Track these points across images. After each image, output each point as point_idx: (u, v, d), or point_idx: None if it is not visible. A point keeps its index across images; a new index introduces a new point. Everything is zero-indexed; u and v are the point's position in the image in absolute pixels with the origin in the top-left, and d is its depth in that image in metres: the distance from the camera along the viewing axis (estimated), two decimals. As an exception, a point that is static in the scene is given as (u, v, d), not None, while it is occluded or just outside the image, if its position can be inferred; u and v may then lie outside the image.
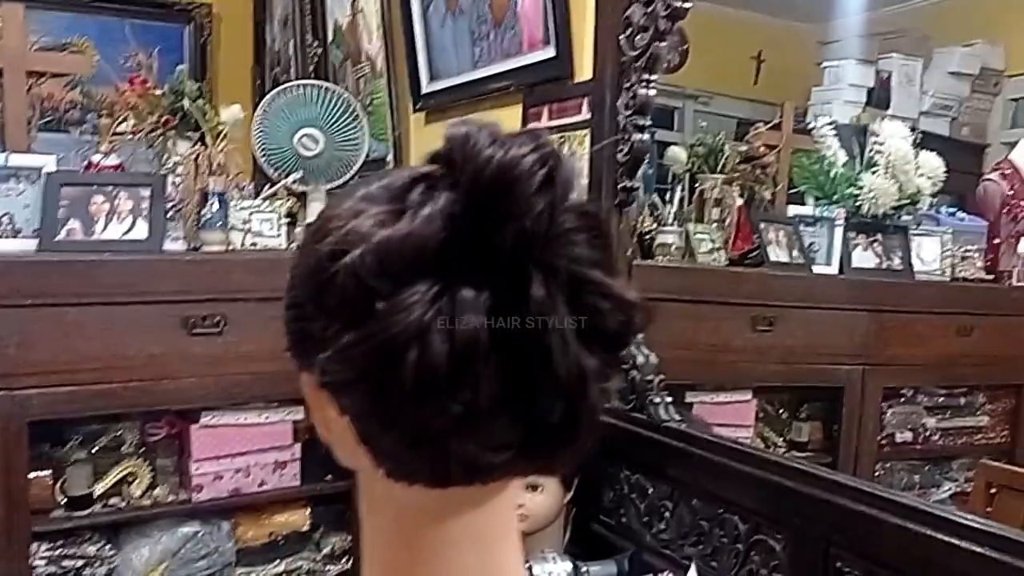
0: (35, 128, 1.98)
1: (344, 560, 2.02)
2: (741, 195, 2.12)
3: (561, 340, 0.45)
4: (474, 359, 0.43)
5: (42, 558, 1.76)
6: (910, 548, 1.14)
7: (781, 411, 2.10)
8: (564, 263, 0.46)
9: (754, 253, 2.03)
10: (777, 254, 2.04)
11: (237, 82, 3.74)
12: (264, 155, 2.08)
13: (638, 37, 1.63)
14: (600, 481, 1.73)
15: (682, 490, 1.55)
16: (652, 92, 1.64)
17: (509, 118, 2.10)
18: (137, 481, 1.88)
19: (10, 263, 1.72)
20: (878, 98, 2.29)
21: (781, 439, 2.07)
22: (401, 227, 0.45)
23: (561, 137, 1.91)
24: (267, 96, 2.10)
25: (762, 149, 2.18)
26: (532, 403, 0.46)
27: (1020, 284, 2.07)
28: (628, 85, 1.67)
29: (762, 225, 2.06)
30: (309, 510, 2.01)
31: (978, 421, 2.16)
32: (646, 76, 1.64)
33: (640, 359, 1.64)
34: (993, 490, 1.69)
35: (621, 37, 1.66)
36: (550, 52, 1.94)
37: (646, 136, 1.67)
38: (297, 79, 3.20)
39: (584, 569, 1.54)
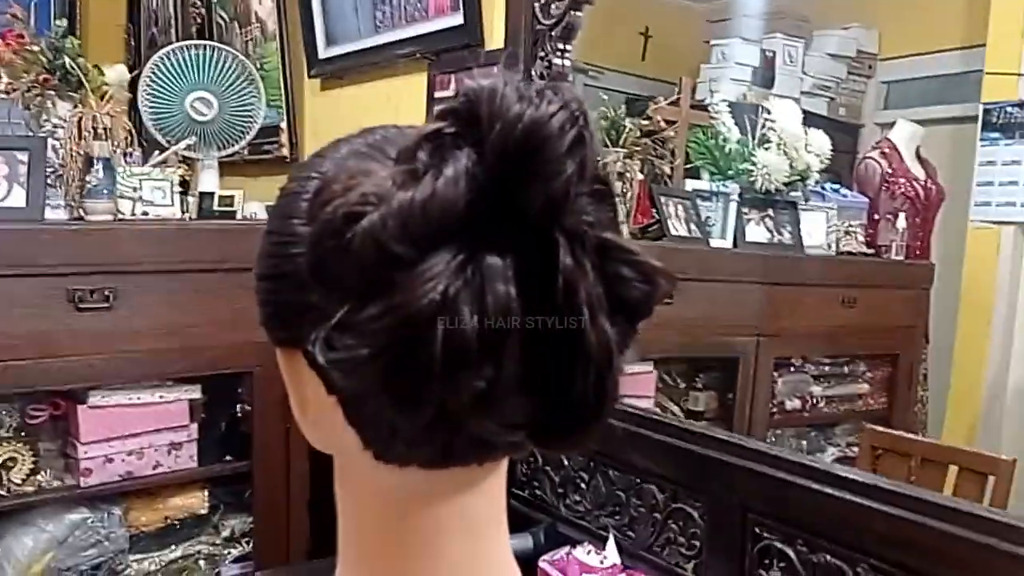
0: None
1: (245, 542, 1.95)
2: (641, 170, 2.14)
3: (590, 309, 0.42)
4: (505, 331, 0.40)
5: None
6: (824, 509, 1.18)
7: (679, 381, 2.14)
8: (588, 229, 0.43)
9: (654, 227, 2.06)
10: (676, 228, 2.07)
11: (109, 40, 3.52)
12: (153, 119, 1.95)
13: (553, 6, 1.62)
14: (514, 454, 1.72)
15: (598, 461, 1.55)
16: (567, 62, 1.63)
17: (414, 86, 2.05)
18: (18, 466, 1.75)
19: None
20: (763, 77, 2.35)
21: (679, 408, 2.11)
22: (424, 188, 0.40)
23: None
24: (156, 56, 1.97)
25: (662, 124, 2.20)
26: (557, 377, 0.43)
27: (898, 258, 2.17)
28: (543, 55, 1.65)
29: (662, 199, 2.08)
30: (207, 492, 1.92)
31: (859, 388, 2.26)
32: (561, 45, 1.62)
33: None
34: (878, 453, 1.78)
35: (536, 5, 1.63)
36: (457, 19, 1.90)
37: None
38: (178, 39, 3.04)
39: (500, 543, 1.53)
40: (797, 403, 2.17)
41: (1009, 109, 1.67)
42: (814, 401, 2.19)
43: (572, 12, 1.58)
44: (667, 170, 2.22)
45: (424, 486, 0.49)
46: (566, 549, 1.47)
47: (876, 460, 1.76)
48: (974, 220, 1.76)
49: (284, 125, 2.55)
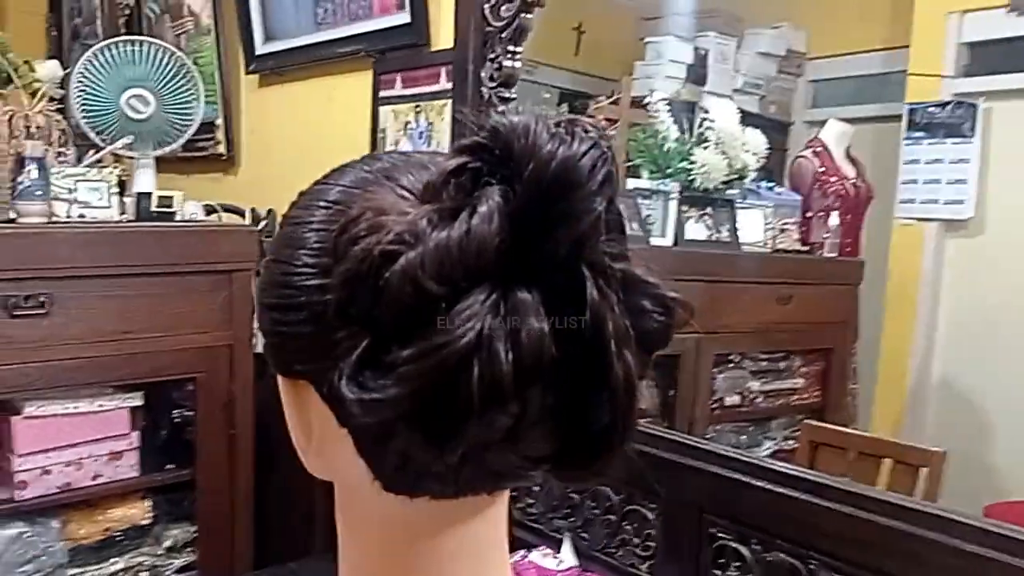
0: None
1: (188, 551, 1.90)
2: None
3: (617, 343, 0.42)
4: (539, 367, 0.41)
5: None
6: (775, 508, 1.21)
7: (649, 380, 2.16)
8: (610, 261, 0.44)
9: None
10: (624, 227, 2.09)
11: (30, 33, 3.39)
12: (87, 118, 1.89)
13: (504, 8, 1.61)
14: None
15: (551, 464, 1.56)
16: (518, 64, 1.63)
17: (358, 85, 2.03)
18: (-52, 481, 1.68)
19: None
20: (696, 75, 2.38)
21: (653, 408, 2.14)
22: (460, 227, 0.40)
23: (417, 107, 1.87)
24: (90, 51, 1.90)
25: (603, 123, 2.21)
26: (582, 410, 0.43)
27: (831, 255, 2.23)
28: (493, 56, 1.65)
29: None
30: (149, 502, 1.87)
31: (795, 383, 2.31)
32: (511, 48, 1.62)
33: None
34: (816, 447, 1.83)
35: (485, 7, 1.63)
36: (404, 18, 1.88)
37: (509, 109, 1.66)
38: (106, 34, 2.94)
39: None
40: (736, 399, 2.21)
41: (931, 109, 1.72)
42: (752, 396, 2.24)
43: (523, 15, 1.58)
44: (608, 170, 2.24)
45: (432, 515, 0.49)
46: (522, 553, 1.48)
47: (814, 454, 1.81)
48: (899, 217, 1.82)
49: (220, 122, 2.49)
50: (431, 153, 0.54)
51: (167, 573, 1.88)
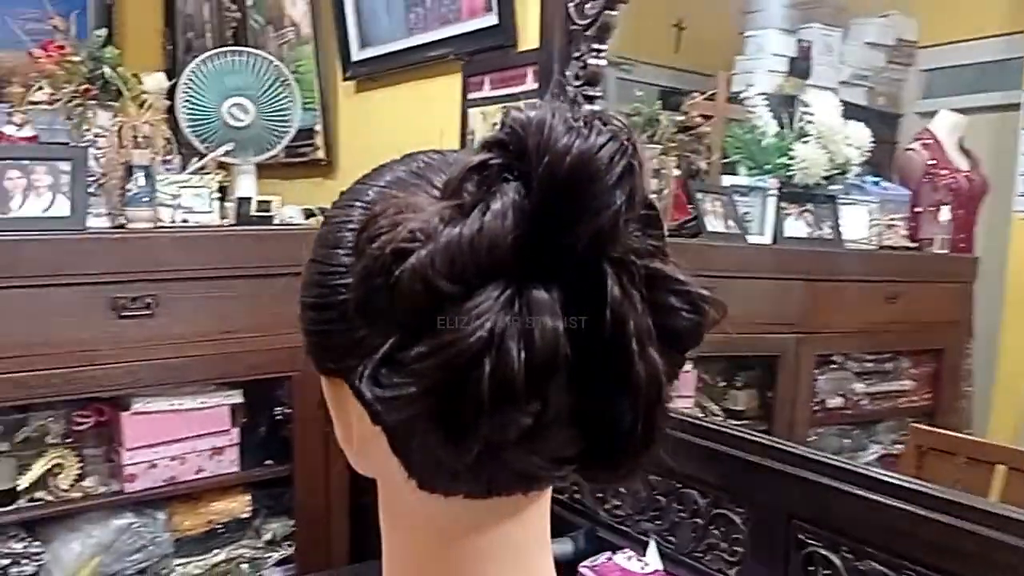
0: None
1: (287, 545, 1.96)
2: (678, 165, 2.12)
3: (639, 342, 0.41)
4: (553, 367, 0.40)
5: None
6: (869, 515, 1.16)
7: (718, 380, 2.12)
8: (636, 258, 0.42)
9: (691, 223, 2.04)
10: (714, 224, 2.05)
11: (146, 47, 3.55)
12: (191, 126, 1.97)
13: (588, 6, 1.60)
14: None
15: (638, 465, 1.54)
16: (603, 62, 1.62)
17: (447, 88, 2.05)
18: (64, 473, 1.78)
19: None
20: (799, 68, 2.31)
21: (718, 408, 2.09)
22: (471, 224, 0.40)
23: (504, 108, 1.87)
24: (193, 63, 1.98)
25: (698, 119, 2.18)
26: (605, 410, 0.42)
27: (941, 252, 2.13)
28: (577, 55, 1.64)
29: (699, 195, 2.06)
30: (249, 496, 1.94)
31: (903, 385, 2.22)
32: (596, 46, 1.61)
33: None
34: (924, 451, 1.75)
35: (570, 5, 1.62)
36: (491, 19, 1.89)
37: (597, 107, 1.65)
38: (215, 45, 3.06)
39: (541, 547, 1.52)
40: (839, 401, 2.13)
41: (1053, 96, 1.63)
42: (856, 399, 2.16)
43: (607, 11, 1.57)
44: (703, 166, 2.20)
45: (468, 515, 0.49)
46: (607, 554, 1.46)
47: (922, 459, 1.73)
48: (1018, 211, 1.73)
49: (319, 127, 2.56)
50: (469, 152, 0.54)
51: (267, 565, 1.94)
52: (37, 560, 1.72)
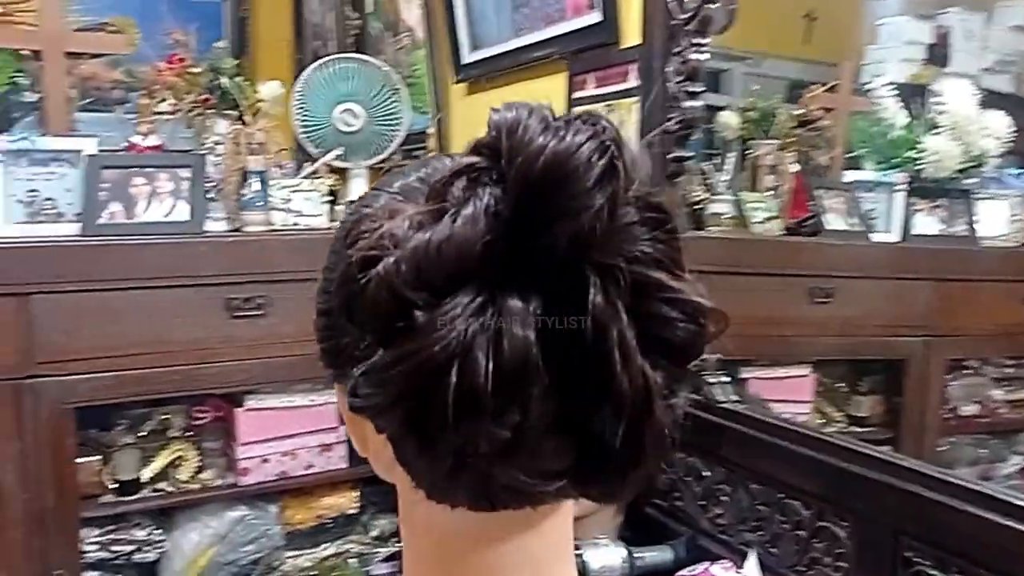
0: (75, 109, 1.96)
1: (393, 541, 2.00)
2: (796, 161, 2.04)
3: (622, 352, 0.39)
4: (523, 378, 0.38)
5: (92, 543, 1.76)
6: (984, 537, 1.07)
7: (840, 385, 2.02)
8: (625, 264, 0.40)
9: (810, 221, 1.95)
10: (834, 222, 1.96)
11: (277, 57, 3.69)
12: (304, 131, 2.03)
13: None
14: (653, 463, 1.67)
15: (739, 473, 1.49)
16: (704, 57, 1.57)
17: (553, 88, 2.04)
18: (184, 465, 1.87)
19: (54, 248, 1.71)
20: (937, 55, 2.18)
21: (841, 414, 2.00)
22: (441, 230, 0.39)
23: (608, 106, 1.84)
24: (306, 71, 2.05)
25: (817, 112, 2.09)
26: (589, 424, 0.40)
27: (1093, 251, 1.96)
28: (678, 50, 1.60)
29: (818, 192, 1.98)
30: (358, 492, 1.98)
31: (1047, 392, 2.06)
32: (697, 40, 1.56)
33: (694, 336, 1.58)
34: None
35: (670, 0, 1.58)
36: (595, 17, 1.86)
37: (698, 103, 1.60)
38: (337, 51, 3.15)
39: (638, 555, 1.49)
40: (974, 408, 2.00)
41: None
42: (994, 406, 2.02)
43: (707, 5, 1.52)
44: (824, 161, 2.11)
45: (480, 526, 0.48)
46: (704, 565, 1.42)
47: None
48: None
49: (432, 130, 2.60)
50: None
51: (374, 561, 1.98)
52: (159, 547, 1.82)
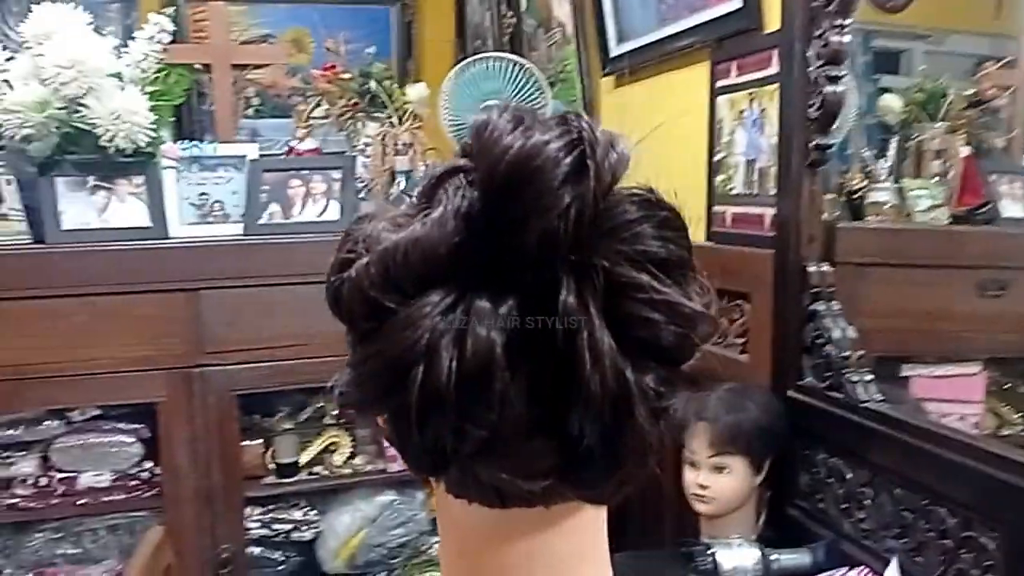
0: (240, 116, 2.11)
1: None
2: (967, 144, 1.90)
3: (593, 354, 0.38)
4: (487, 378, 0.38)
5: (255, 521, 1.89)
6: None
7: (1017, 384, 1.87)
8: (608, 264, 0.40)
9: (984, 209, 1.82)
10: (1012, 209, 1.81)
11: (441, 58, 3.80)
12: (452, 130, 2.09)
13: (828, -21, 1.49)
14: (795, 463, 1.61)
15: (883, 477, 1.41)
16: (846, 39, 1.49)
17: (696, 78, 1.99)
18: (338, 450, 1.97)
19: (219, 247, 1.85)
20: None
21: (1019, 416, 1.85)
22: (413, 231, 0.40)
23: (750, 94, 1.79)
24: (452, 71, 2.10)
25: (992, 91, 1.93)
26: (566, 425, 0.40)
27: None
28: (819, 33, 1.53)
29: (993, 177, 1.84)
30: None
31: None
32: (839, 22, 1.49)
33: (836, 333, 1.51)
34: None
35: (809, -19, 1.51)
36: (737, 2, 1.81)
37: (840, 88, 1.52)
38: (493, 50, 3.21)
39: (773, 558, 1.44)
40: None
41: None
42: None
43: (848, -16, 1.45)
44: (1000, 143, 1.96)
45: (494, 523, 0.48)
46: (843, 570, 1.36)
47: None
48: None
49: (583, 124, 2.60)
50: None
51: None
52: (315, 527, 1.93)
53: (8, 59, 1.79)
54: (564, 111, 0.42)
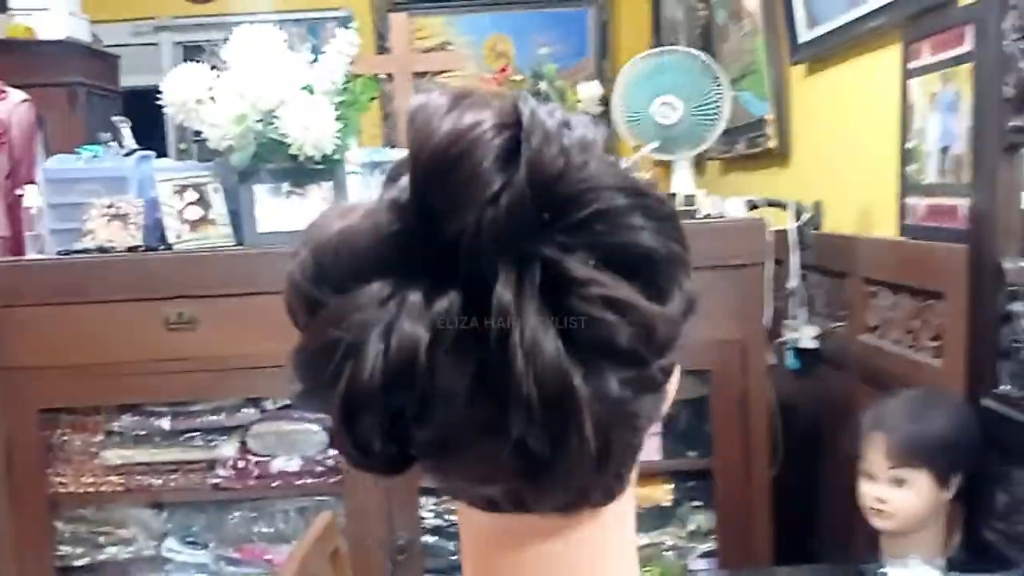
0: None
1: (711, 538, 1.95)
2: None
3: (527, 353, 0.36)
4: (411, 375, 0.37)
5: (429, 511, 1.95)
6: None
7: None
8: (552, 257, 0.37)
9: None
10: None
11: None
12: (627, 126, 2.07)
13: (1025, -60, 1.34)
14: (991, 480, 1.46)
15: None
16: (1046, 9, 1.34)
17: (888, 61, 1.86)
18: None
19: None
20: None
21: None
22: (342, 225, 0.39)
23: (944, 75, 1.64)
24: (626, 65, 2.08)
25: None
26: (510, 427, 0.37)
27: None
28: (1015, 2, 1.38)
29: None
30: (671, 486, 1.97)
31: None
32: (1040, -11, 1.34)
33: (1033, 336, 1.36)
34: None
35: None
36: (929, -25, 1.67)
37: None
38: (687, 44, 3.15)
39: (956, 582, 1.32)
40: None
41: None
42: None
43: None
44: None
45: (501, 527, 0.46)
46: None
47: None
48: None
49: (771, 117, 2.49)
50: None
51: (692, 556, 1.96)
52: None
53: (216, 77, 1.96)
54: (518, 92, 0.40)
